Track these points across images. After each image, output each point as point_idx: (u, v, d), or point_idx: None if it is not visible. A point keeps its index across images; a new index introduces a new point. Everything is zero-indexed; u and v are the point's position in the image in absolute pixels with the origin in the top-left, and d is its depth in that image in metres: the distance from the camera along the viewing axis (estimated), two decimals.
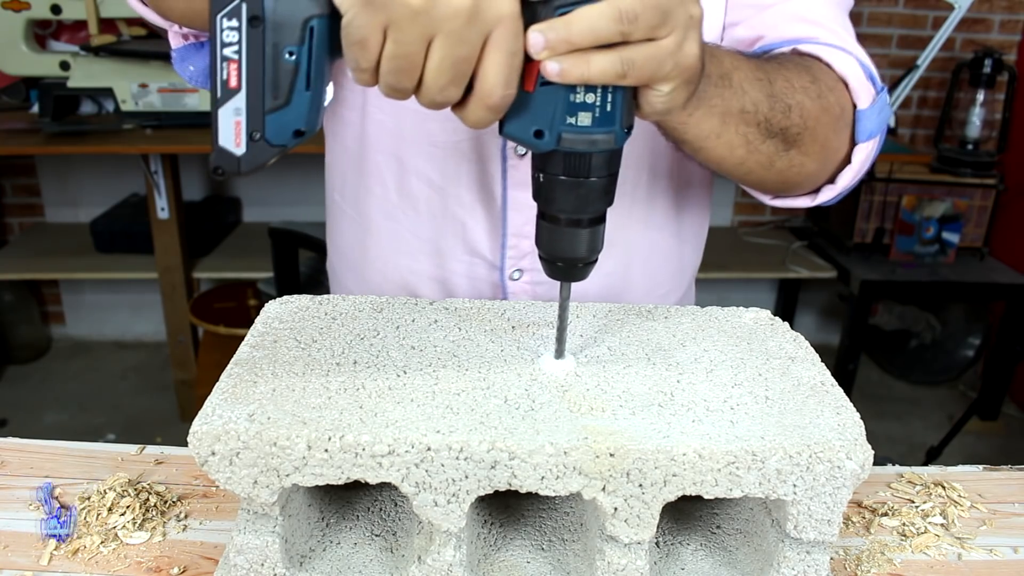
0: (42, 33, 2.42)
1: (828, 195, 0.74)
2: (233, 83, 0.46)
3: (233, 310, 2.49)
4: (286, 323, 0.65)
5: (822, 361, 0.62)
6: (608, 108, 0.48)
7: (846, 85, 0.69)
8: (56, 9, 2.22)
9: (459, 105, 0.48)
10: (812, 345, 0.65)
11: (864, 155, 0.71)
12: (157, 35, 2.39)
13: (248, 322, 0.73)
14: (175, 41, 0.78)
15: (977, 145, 2.67)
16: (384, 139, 0.82)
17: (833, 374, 0.61)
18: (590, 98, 0.48)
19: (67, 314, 3.07)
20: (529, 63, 0.47)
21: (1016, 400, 2.86)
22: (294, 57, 0.45)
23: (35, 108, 2.35)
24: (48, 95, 2.26)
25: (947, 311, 2.95)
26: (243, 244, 2.73)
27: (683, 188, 0.86)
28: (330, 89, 0.49)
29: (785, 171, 0.68)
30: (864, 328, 2.58)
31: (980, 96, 2.64)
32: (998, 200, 2.69)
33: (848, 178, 0.72)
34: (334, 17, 0.45)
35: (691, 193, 0.87)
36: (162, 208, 2.38)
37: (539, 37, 0.45)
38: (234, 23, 0.44)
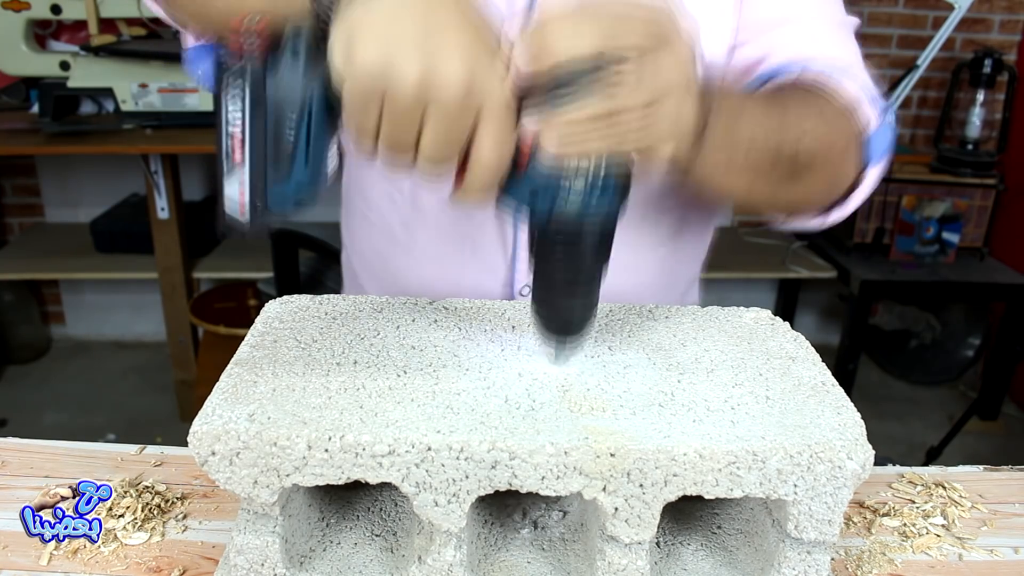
0: (42, 33, 2.42)
1: (838, 216, 0.74)
2: (237, 158, 0.48)
3: (233, 310, 2.49)
4: (286, 323, 0.65)
5: (822, 361, 0.62)
6: (599, 183, 0.48)
7: (853, 110, 0.69)
8: (56, 9, 2.22)
9: (456, 182, 0.49)
10: (812, 345, 0.65)
11: (874, 178, 0.71)
12: (157, 35, 2.39)
13: (248, 322, 0.73)
14: (188, 40, 0.78)
15: (977, 145, 2.67)
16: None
17: (833, 374, 0.61)
18: (582, 175, 0.48)
19: (67, 314, 3.07)
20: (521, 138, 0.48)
21: (1016, 400, 2.86)
22: (293, 135, 0.47)
23: (35, 108, 2.35)
24: (48, 95, 2.26)
25: (947, 311, 2.94)
26: (243, 244, 2.73)
27: (683, 212, 0.86)
28: (333, 155, 0.51)
29: (792, 202, 0.68)
30: (864, 328, 2.58)
31: (980, 96, 2.64)
32: (998, 200, 2.69)
33: (859, 199, 0.72)
34: (333, 96, 0.46)
35: (691, 218, 0.87)
36: (162, 208, 2.37)
37: (532, 124, 0.46)
38: (238, 104, 0.46)
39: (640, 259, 0.85)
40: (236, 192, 0.48)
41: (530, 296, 0.56)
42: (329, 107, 0.47)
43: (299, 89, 0.46)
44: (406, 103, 0.44)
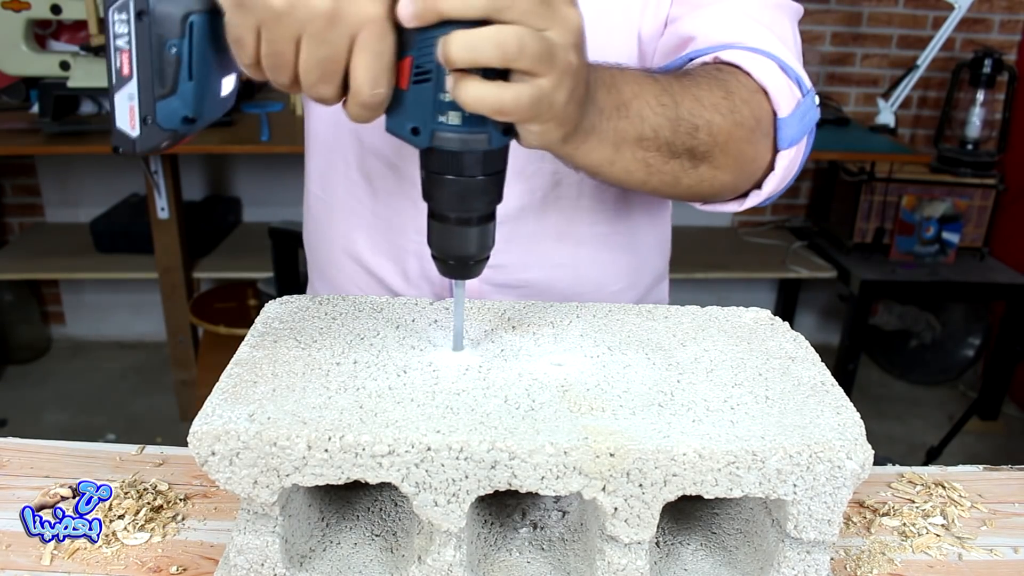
0: (42, 33, 2.42)
1: (755, 200, 0.74)
2: (125, 71, 0.50)
3: (233, 310, 2.49)
4: (286, 323, 0.65)
5: (822, 361, 0.62)
6: (477, 115, 0.49)
7: (766, 93, 0.69)
8: (56, 9, 2.21)
9: (343, 102, 0.51)
10: (812, 345, 0.65)
11: (787, 161, 0.71)
12: None
13: (248, 322, 0.73)
14: None
15: (977, 145, 2.67)
16: (345, 121, 0.83)
17: (833, 374, 0.61)
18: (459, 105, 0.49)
19: (67, 314, 3.07)
20: (402, 60, 0.49)
21: (1016, 400, 2.86)
22: (176, 50, 0.49)
23: (35, 108, 2.35)
24: (48, 95, 2.26)
25: (947, 311, 2.95)
26: (243, 244, 2.73)
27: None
28: (228, 81, 0.54)
29: (695, 186, 0.68)
30: (864, 328, 2.58)
31: (980, 96, 2.64)
32: (998, 200, 2.69)
33: (773, 184, 0.72)
34: (216, 14, 0.49)
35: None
36: (162, 208, 2.37)
37: (408, 3, 0.46)
38: (124, 16, 0.48)
39: (598, 232, 0.85)
40: (126, 106, 0.50)
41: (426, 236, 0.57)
42: (215, 28, 0.49)
43: (180, 4, 0.48)
44: (276, 27, 0.47)
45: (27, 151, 2.59)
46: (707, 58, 0.71)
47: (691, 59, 0.72)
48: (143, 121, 0.51)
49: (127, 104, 0.51)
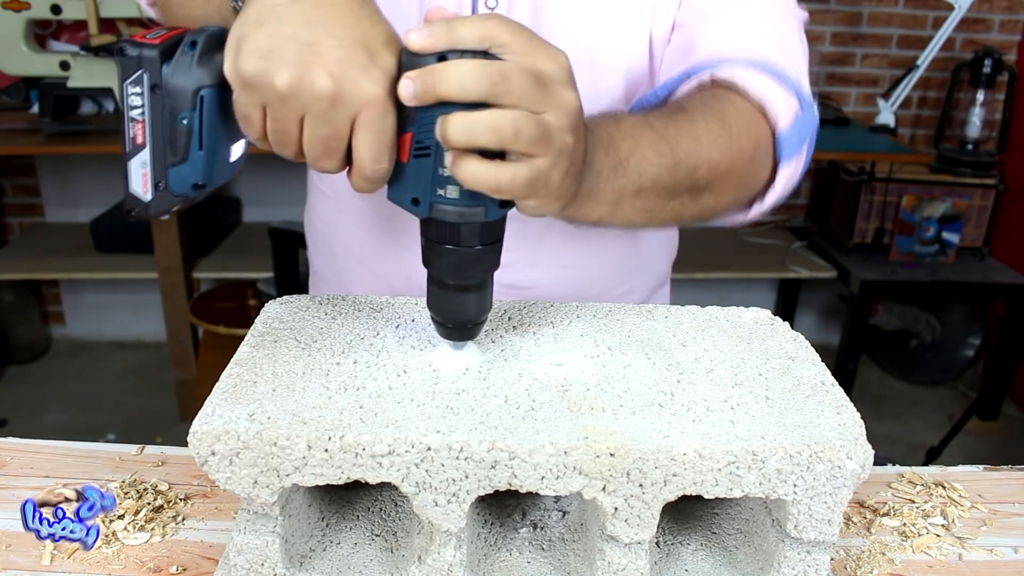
0: (42, 33, 2.42)
1: (758, 211, 0.75)
2: (139, 140, 0.52)
3: (233, 310, 2.49)
4: (286, 323, 0.65)
5: (822, 361, 0.62)
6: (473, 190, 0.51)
7: (764, 110, 0.69)
8: (56, 9, 2.21)
9: (348, 173, 0.53)
10: (812, 345, 0.65)
11: (787, 175, 0.72)
12: None
13: (248, 322, 0.73)
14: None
15: (977, 145, 2.67)
16: None
17: (833, 374, 0.61)
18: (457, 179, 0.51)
19: (67, 314, 3.07)
20: (403, 135, 0.51)
21: (1016, 400, 2.86)
22: (187, 121, 0.52)
23: (35, 108, 2.35)
24: (48, 95, 2.26)
25: (947, 311, 2.94)
26: (243, 244, 2.73)
27: None
28: (237, 147, 0.56)
29: (699, 215, 0.69)
30: (864, 328, 2.58)
31: (980, 96, 2.63)
32: (998, 200, 2.69)
33: (775, 197, 0.73)
34: (225, 87, 0.51)
35: None
36: None
37: (409, 84, 0.48)
38: (138, 89, 0.51)
39: (604, 235, 0.85)
40: (139, 172, 0.53)
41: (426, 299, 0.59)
42: (224, 101, 0.52)
43: (192, 79, 0.51)
44: (281, 108, 0.49)
45: (27, 151, 2.59)
46: (704, 77, 0.71)
47: (689, 75, 0.73)
48: (156, 187, 0.54)
49: (140, 171, 0.53)
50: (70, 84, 2.23)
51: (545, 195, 0.52)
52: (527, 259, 0.84)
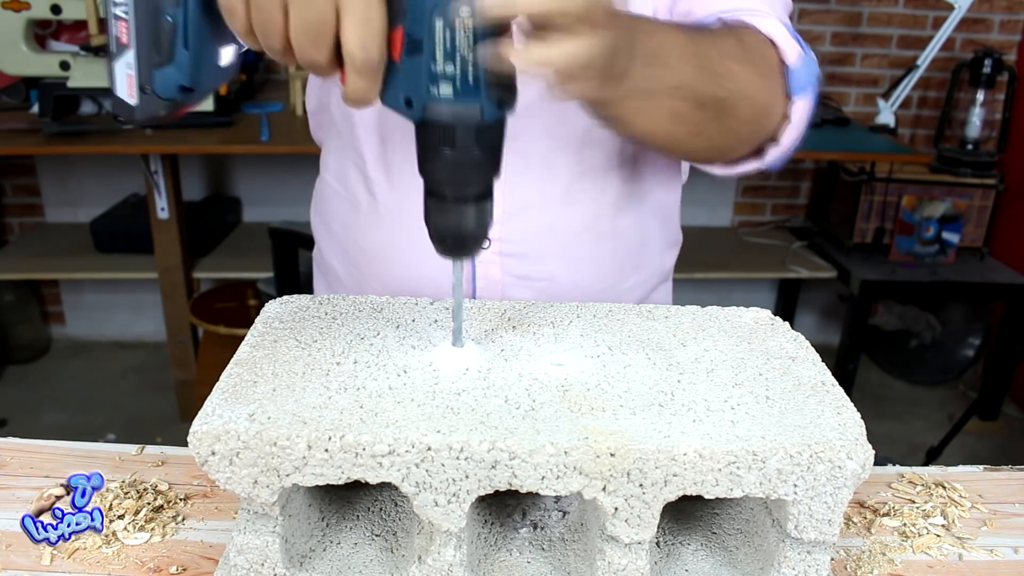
0: (42, 33, 2.42)
1: (774, 154, 0.74)
2: (124, 40, 0.51)
3: (233, 310, 2.49)
4: (286, 323, 0.65)
5: (822, 361, 0.62)
6: (469, 80, 0.49)
7: (773, 45, 0.70)
8: (56, 9, 2.21)
9: (339, 72, 0.51)
10: (812, 345, 0.65)
11: (802, 110, 0.72)
12: None
13: (248, 322, 0.73)
14: None
15: (977, 145, 2.67)
16: (367, 113, 0.83)
17: (833, 374, 0.61)
18: (450, 68, 0.49)
19: (67, 314, 3.07)
20: (393, 31, 0.49)
21: (1016, 400, 2.86)
22: (171, 18, 0.50)
23: (35, 108, 2.35)
24: (48, 95, 2.26)
25: (947, 311, 2.94)
26: (243, 244, 2.73)
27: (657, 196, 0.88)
28: (227, 51, 0.54)
29: (716, 137, 0.69)
30: (864, 328, 2.58)
31: (980, 96, 2.63)
32: (998, 200, 2.69)
33: (791, 136, 0.73)
34: None
35: (667, 201, 0.90)
36: (162, 208, 2.37)
37: None
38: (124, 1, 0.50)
39: (618, 228, 0.86)
40: (124, 75, 0.52)
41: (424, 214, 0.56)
42: (211, 7, 0.51)
43: None
44: None
45: (27, 151, 2.58)
46: (709, 21, 0.72)
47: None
48: (141, 90, 0.52)
49: (125, 72, 0.51)
50: (70, 84, 2.23)
51: (588, 74, 0.50)
52: (540, 251, 0.85)
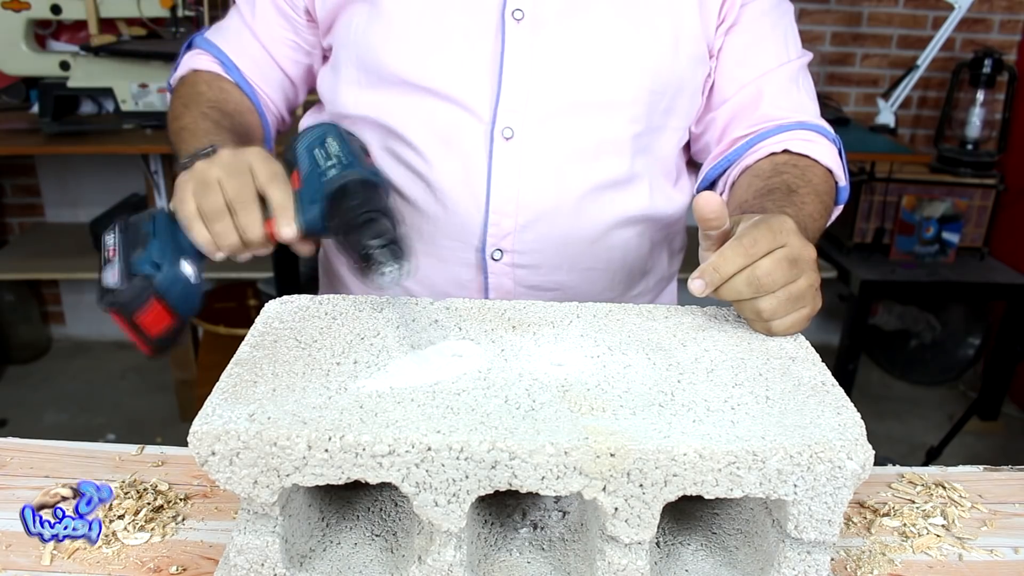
0: (42, 33, 2.42)
1: None
2: (111, 256, 0.71)
3: (233, 310, 2.49)
4: (286, 323, 0.65)
5: (822, 361, 0.62)
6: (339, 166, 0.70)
7: (831, 173, 0.85)
8: (56, 9, 2.22)
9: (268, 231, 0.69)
10: (812, 345, 0.65)
11: (837, 212, 0.88)
12: (157, 35, 2.39)
13: (248, 322, 0.73)
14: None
15: (977, 145, 2.66)
16: (375, 128, 0.85)
17: (833, 374, 0.61)
18: (326, 165, 0.70)
19: (67, 314, 3.07)
20: (290, 175, 0.72)
21: (1016, 400, 2.86)
22: (146, 229, 0.72)
23: (35, 108, 2.35)
24: (48, 95, 2.26)
25: (947, 311, 2.94)
26: None
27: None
28: (194, 268, 0.73)
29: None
30: (864, 328, 2.58)
31: (980, 96, 2.63)
32: (998, 200, 2.69)
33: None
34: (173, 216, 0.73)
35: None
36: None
37: (700, 283, 0.62)
38: (111, 235, 0.73)
39: (613, 238, 0.90)
40: (112, 273, 0.70)
41: (370, 267, 0.67)
42: (174, 224, 0.72)
43: (147, 214, 0.74)
44: (214, 198, 0.69)
45: (27, 151, 2.58)
46: (776, 149, 0.84)
47: (751, 144, 0.85)
48: (123, 275, 0.69)
49: (111, 272, 0.70)
50: (70, 84, 2.23)
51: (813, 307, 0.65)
52: (552, 262, 0.85)
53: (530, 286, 0.86)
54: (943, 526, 0.68)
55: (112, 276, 0.70)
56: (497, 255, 0.84)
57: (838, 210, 0.88)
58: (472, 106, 0.81)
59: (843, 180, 0.86)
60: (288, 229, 0.68)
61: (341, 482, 0.51)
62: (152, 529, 0.64)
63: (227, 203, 0.68)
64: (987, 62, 2.60)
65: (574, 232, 0.85)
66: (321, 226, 0.70)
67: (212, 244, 0.71)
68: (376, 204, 0.69)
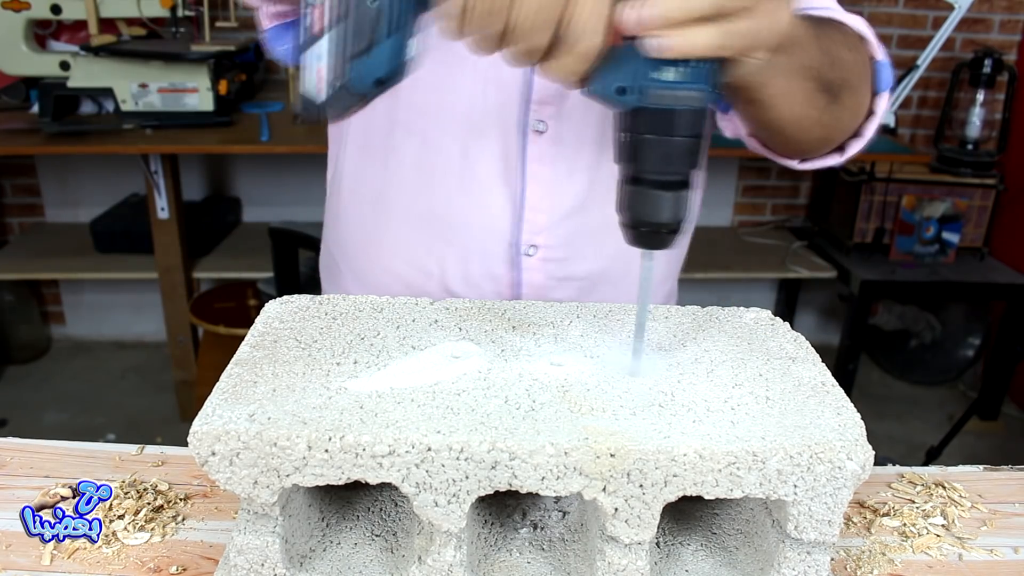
0: (42, 33, 2.42)
1: (855, 149, 0.75)
2: (316, 29, 0.45)
3: (233, 310, 2.49)
4: (286, 323, 0.65)
5: (822, 361, 0.62)
6: (695, 63, 0.48)
7: (862, 39, 0.72)
8: (56, 9, 2.22)
9: (546, 58, 0.49)
10: (812, 345, 0.65)
11: (885, 104, 0.73)
12: (157, 35, 2.39)
13: (248, 322, 0.73)
14: (266, 22, 0.80)
15: (977, 145, 2.67)
16: (411, 116, 0.84)
17: (833, 374, 0.61)
18: (674, 63, 0.48)
19: (67, 314, 3.07)
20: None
21: (1016, 400, 2.86)
22: (377, 3, 0.45)
23: (35, 108, 2.35)
24: (48, 95, 2.26)
25: (947, 311, 2.94)
26: (243, 244, 2.73)
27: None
28: (416, 43, 0.49)
29: (828, 125, 0.69)
30: (864, 328, 2.58)
31: (980, 96, 2.63)
32: (998, 200, 2.69)
33: (872, 129, 0.74)
34: None
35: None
36: (162, 208, 2.37)
37: (632, 14, 0.46)
38: None
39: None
40: (314, 68, 0.46)
41: (615, 206, 0.54)
42: None
43: None
44: None
45: (27, 151, 2.59)
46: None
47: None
48: (332, 84, 0.47)
49: (315, 66, 0.47)
50: (70, 84, 2.23)
51: (763, 46, 0.51)
52: (582, 252, 0.85)
53: (560, 278, 0.86)
54: (943, 526, 0.68)
55: (314, 81, 0.47)
56: (531, 251, 0.84)
57: (885, 99, 0.74)
58: (503, 101, 0.80)
59: (879, 53, 0.72)
60: (566, 82, 0.50)
61: (341, 482, 0.51)
62: (152, 529, 0.64)
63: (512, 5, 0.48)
64: (987, 62, 2.60)
65: (603, 224, 0.84)
66: None
67: (460, 33, 0.49)
68: None
